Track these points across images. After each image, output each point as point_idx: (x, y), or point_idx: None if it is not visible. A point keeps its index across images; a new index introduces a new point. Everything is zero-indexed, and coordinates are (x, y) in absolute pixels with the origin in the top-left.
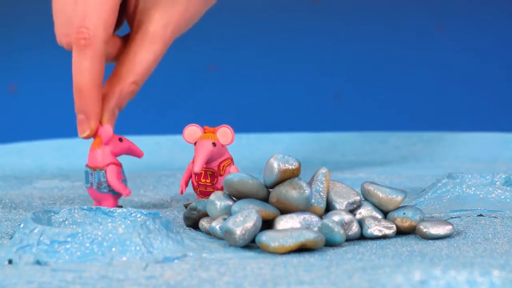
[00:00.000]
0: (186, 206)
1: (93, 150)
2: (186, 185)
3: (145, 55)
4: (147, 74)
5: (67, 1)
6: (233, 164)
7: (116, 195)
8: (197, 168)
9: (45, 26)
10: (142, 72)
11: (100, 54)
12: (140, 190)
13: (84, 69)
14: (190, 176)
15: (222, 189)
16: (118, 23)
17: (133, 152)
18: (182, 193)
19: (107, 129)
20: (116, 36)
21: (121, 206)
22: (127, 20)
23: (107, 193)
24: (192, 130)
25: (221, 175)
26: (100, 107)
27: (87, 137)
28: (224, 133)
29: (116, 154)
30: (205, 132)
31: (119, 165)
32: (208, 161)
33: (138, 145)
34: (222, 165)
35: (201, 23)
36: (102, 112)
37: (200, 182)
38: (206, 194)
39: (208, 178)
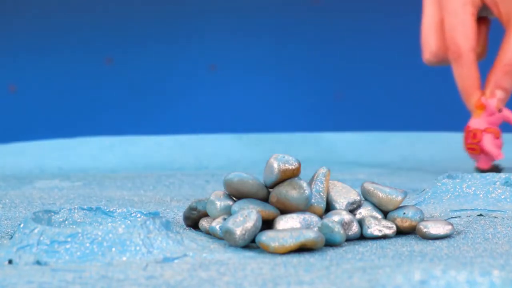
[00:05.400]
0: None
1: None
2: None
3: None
4: None
5: (432, 29)
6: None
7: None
8: None
9: (45, 26)
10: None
11: (470, 61)
12: (140, 190)
13: (460, 75)
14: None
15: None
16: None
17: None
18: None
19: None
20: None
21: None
22: (501, 22)
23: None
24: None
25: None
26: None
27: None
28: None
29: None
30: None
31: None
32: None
33: (138, 145)
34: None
35: (201, 23)
36: (485, 91)
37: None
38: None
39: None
